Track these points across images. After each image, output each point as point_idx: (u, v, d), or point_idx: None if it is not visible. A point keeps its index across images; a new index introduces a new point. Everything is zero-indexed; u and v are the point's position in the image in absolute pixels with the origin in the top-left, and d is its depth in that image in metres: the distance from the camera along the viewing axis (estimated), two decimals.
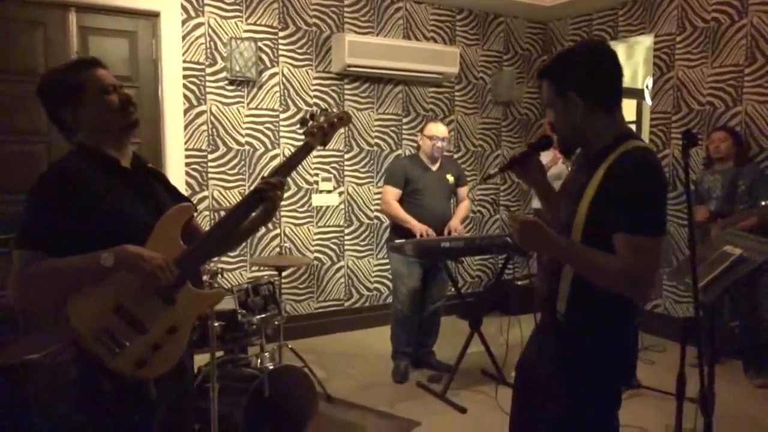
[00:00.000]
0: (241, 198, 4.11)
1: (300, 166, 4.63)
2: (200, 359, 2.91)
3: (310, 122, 1.84)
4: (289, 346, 3.71)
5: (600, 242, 1.55)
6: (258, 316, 3.01)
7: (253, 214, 1.74)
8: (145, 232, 1.57)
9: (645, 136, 6.19)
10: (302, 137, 1.86)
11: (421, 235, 3.69)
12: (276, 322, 3.17)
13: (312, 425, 2.94)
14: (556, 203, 1.83)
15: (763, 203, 3.63)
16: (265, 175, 1.91)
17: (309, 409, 2.93)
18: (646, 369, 3.99)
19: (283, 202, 4.72)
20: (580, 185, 1.63)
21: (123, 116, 1.62)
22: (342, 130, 4.84)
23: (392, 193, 3.88)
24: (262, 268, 4.50)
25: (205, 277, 1.93)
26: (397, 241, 3.70)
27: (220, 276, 2.33)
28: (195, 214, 1.78)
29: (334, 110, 4.64)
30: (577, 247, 1.59)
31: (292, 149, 4.61)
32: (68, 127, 1.62)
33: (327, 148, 4.56)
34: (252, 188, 1.69)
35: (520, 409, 1.92)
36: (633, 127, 6.96)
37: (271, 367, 2.77)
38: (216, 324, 2.48)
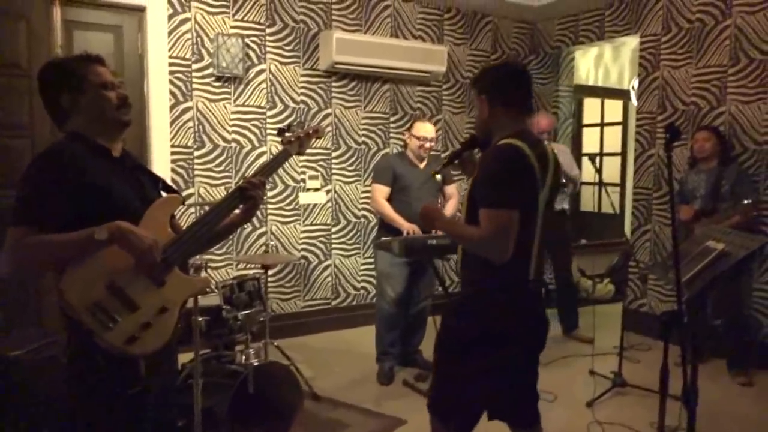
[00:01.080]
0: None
1: (287, 164, 4.63)
2: (184, 357, 2.88)
3: (287, 133, 2.05)
4: (275, 344, 3.69)
5: (477, 217, 1.90)
6: (243, 312, 2.99)
7: (236, 211, 1.85)
8: (136, 217, 1.62)
9: (631, 136, 6.25)
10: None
11: (408, 234, 3.68)
12: (261, 319, 3.15)
13: (297, 423, 2.92)
14: None
15: (745, 202, 3.67)
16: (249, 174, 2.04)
17: (294, 405, 2.91)
18: (631, 367, 4.01)
19: (270, 200, 4.73)
20: None
21: (118, 113, 1.70)
22: (329, 129, 4.84)
23: (381, 190, 3.87)
24: (248, 265, 4.48)
25: (190, 271, 1.98)
26: (384, 238, 3.69)
27: (204, 270, 2.33)
28: (182, 207, 1.83)
29: (321, 108, 4.69)
30: (452, 223, 2.17)
31: (280, 147, 4.59)
32: (63, 114, 1.68)
33: (314, 146, 4.56)
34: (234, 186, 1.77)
35: None
36: (619, 128, 7.01)
37: (256, 364, 2.75)
38: (200, 319, 2.46)
